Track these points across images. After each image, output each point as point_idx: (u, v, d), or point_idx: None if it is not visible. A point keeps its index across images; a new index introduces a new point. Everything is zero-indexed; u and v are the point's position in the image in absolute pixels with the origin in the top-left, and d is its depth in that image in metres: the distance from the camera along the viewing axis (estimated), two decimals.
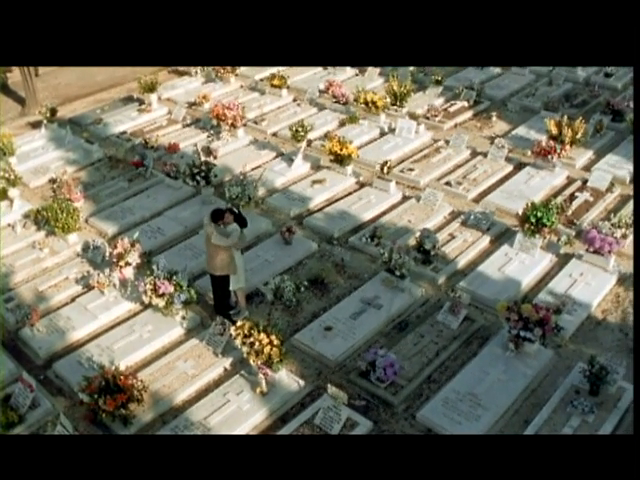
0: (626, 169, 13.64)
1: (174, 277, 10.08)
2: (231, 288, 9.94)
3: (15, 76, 19.76)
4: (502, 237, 11.85)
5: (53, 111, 16.86)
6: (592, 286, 10.51)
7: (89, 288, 10.88)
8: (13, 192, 13.41)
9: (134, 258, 10.80)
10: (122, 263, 10.70)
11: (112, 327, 10.19)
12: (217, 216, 9.59)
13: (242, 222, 9.81)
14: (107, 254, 11.26)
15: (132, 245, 10.85)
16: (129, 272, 10.82)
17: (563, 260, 11.21)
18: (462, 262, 11.22)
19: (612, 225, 11.23)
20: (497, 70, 19.13)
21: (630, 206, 12.42)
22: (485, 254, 11.42)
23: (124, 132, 16.45)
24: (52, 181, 14.14)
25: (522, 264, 10.99)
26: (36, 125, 17.13)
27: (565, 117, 14.49)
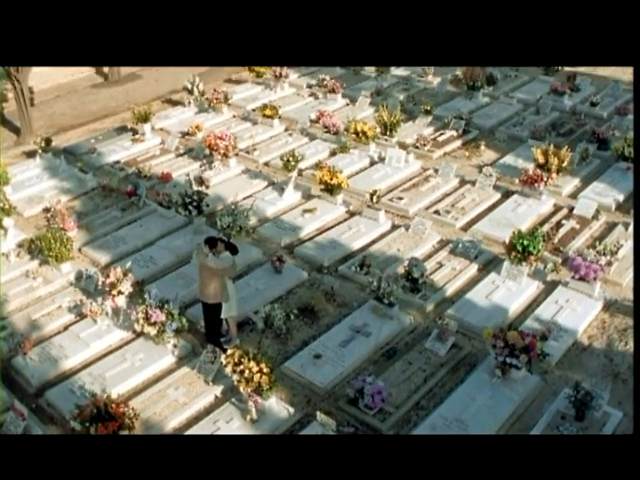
0: (611, 196, 13.91)
1: (166, 306, 10.19)
2: (222, 316, 10.07)
3: (11, 106, 20.01)
4: (489, 265, 12.03)
5: (48, 141, 17.03)
6: (578, 312, 10.67)
7: (82, 317, 10.99)
8: (7, 221, 13.51)
9: (126, 287, 10.92)
10: (115, 292, 10.81)
11: (104, 355, 10.29)
12: (211, 242, 9.81)
13: (233, 249, 10.00)
14: (100, 283, 11.35)
15: (124, 274, 10.97)
16: (121, 301, 10.93)
17: (549, 287, 11.38)
18: (450, 290, 11.39)
19: (597, 252, 11.43)
20: (485, 99, 19.47)
21: (615, 233, 12.65)
22: (473, 282, 11.58)
23: (118, 161, 16.63)
24: (46, 210, 14.26)
25: (509, 291, 11.15)
26: (31, 154, 17.28)
27: (552, 146, 14.72)
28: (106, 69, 24.25)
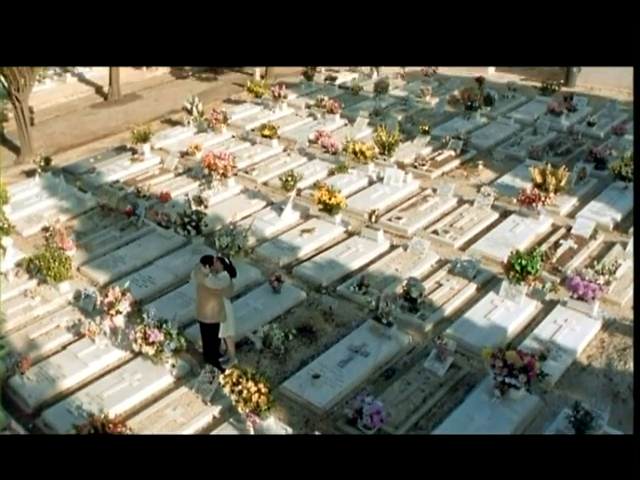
0: (609, 216, 13.94)
1: (164, 325, 10.19)
2: (220, 336, 10.05)
3: (11, 125, 20.14)
4: (488, 284, 12.02)
5: (47, 160, 17.14)
6: (577, 332, 10.64)
7: (80, 336, 10.97)
8: (6, 241, 13.49)
9: (125, 307, 10.92)
10: (113, 311, 10.81)
11: (102, 375, 10.25)
12: (207, 260, 9.84)
13: (232, 272, 10.01)
14: (98, 302, 11.38)
15: (123, 294, 10.97)
16: (120, 320, 10.93)
17: (548, 307, 11.37)
18: (449, 310, 11.38)
19: (596, 272, 11.45)
20: (483, 120, 19.59)
21: (614, 253, 12.66)
22: (471, 301, 11.57)
23: (117, 181, 16.71)
24: (45, 229, 14.31)
25: (507, 311, 11.14)
26: (30, 173, 17.38)
27: (549, 165, 14.79)
28: (106, 89, 24.43)
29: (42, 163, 16.97)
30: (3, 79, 17.94)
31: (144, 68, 27.09)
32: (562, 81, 22.15)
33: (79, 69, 26.40)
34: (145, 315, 10.43)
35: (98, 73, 26.17)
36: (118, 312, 10.85)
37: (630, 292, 11.48)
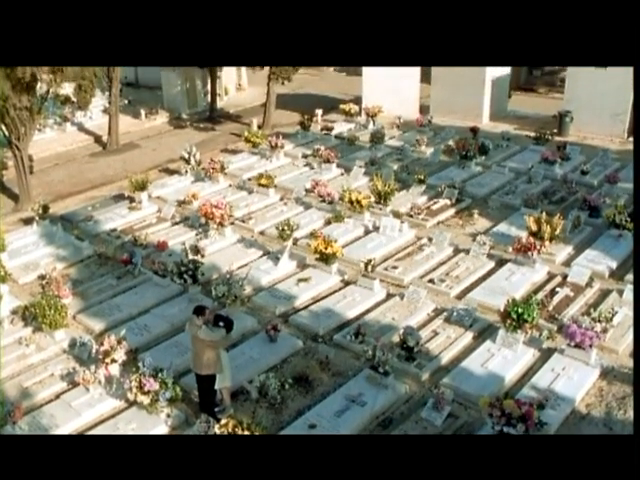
0: (604, 264, 13.97)
1: (160, 374, 10.11)
2: (217, 387, 9.96)
3: (10, 173, 20.30)
4: (485, 333, 12.00)
5: (45, 208, 17.22)
6: (575, 380, 10.59)
7: (74, 385, 10.88)
8: (2, 288, 13.49)
9: (120, 355, 10.85)
10: (108, 360, 10.74)
11: (96, 425, 10.12)
12: (199, 310, 9.81)
13: (229, 327, 9.97)
14: (94, 351, 11.31)
15: (119, 342, 10.92)
16: (115, 369, 10.85)
17: (545, 355, 11.33)
18: (446, 358, 11.32)
19: (592, 319, 11.44)
20: (478, 169, 19.80)
21: (610, 300, 12.68)
22: (468, 350, 11.52)
23: (114, 229, 16.78)
24: (41, 277, 14.29)
25: (505, 359, 11.10)
26: (28, 221, 17.45)
27: (544, 213, 14.89)
28: (105, 138, 24.73)
29: (40, 211, 17.06)
30: (4, 128, 18.15)
31: (143, 117, 27.46)
32: (555, 130, 22.51)
33: (79, 118, 26.79)
34: (140, 364, 10.35)
35: (97, 122, 26.58)
36: (113, 360, 10.78)
37: (628, 339, 11.47)
